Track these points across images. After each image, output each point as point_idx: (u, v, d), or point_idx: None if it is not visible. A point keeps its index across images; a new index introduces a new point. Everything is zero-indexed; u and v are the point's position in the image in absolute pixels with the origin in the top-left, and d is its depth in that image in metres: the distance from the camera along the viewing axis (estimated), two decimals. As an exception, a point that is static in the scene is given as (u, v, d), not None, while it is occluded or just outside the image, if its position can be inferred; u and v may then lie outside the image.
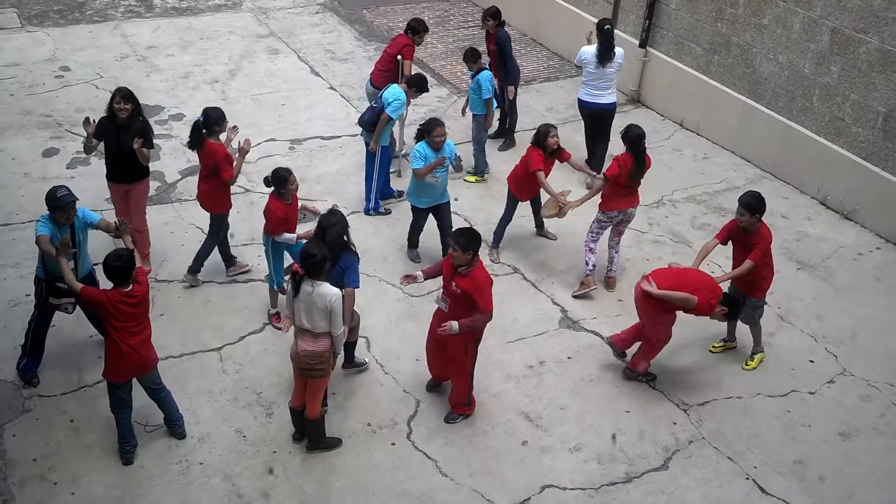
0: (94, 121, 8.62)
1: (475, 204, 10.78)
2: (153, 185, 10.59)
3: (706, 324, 8.99)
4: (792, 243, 10.33)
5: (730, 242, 8.29)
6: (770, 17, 11.31)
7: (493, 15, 11.53)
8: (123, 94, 8.55)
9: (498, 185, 10.95)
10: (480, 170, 11.29)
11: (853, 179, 10.68)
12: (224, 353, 8.31)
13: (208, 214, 9.00)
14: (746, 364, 8.55)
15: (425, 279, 7.63)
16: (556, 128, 9.38)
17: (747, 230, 8.07)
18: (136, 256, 6.97)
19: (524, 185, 9.57)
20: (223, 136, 8.83)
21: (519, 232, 10.09)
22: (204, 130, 8.60)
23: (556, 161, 9.56)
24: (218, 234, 9.02)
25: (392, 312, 8.97)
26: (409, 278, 7.62)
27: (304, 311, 6.86)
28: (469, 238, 7.03)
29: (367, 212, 10.44)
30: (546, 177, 9.33)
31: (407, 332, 8.67)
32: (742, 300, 8.14)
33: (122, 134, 8.57)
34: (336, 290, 6.85)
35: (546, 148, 9.31)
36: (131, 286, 6.66)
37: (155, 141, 8.93)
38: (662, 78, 13.02)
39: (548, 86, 13.83)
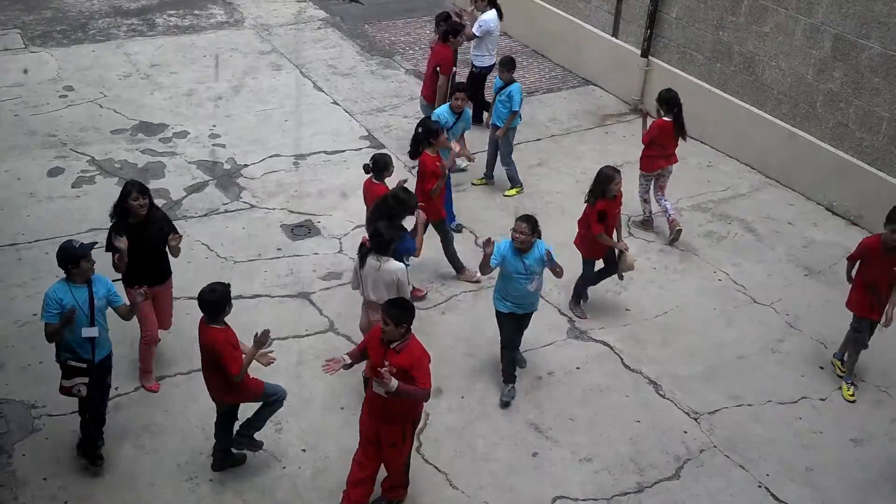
0: (121, 237, 7.30)
1: (477, 214, 10.75)
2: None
3: (712, 332, 9.00)
4: (799, 250, 10.32)
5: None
6: (771, 25, 11.32)
7: (445, 19, 11.91)
8: (139, 189, 7.39)
9: (503, 198, 11.10)
10: (518, 182, 11.21)
11: (859, 185, 10.67)
12: (232, 369, 8.29)
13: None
14: (850, 395, 8.31)
15: (352, 362, 6.61)
16: (619, 172, 8.68)
17: (893, 249, 7.75)
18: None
19: (593, 245, 8.89)
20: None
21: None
22: (423, 142, 9.14)
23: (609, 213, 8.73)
24: (447, 234, 9.41)
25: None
26: (333, 362, 6.54)
27: (371, 285, 7.32)
28: (402, 310, 6.31)
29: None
30: (614, 228, 8.85)
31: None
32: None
33: (148, 230, 7.51)
34: (401, 265, 7.34)
35: (608, 193, 8.58)
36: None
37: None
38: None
39: (550, 97, 13.84)
